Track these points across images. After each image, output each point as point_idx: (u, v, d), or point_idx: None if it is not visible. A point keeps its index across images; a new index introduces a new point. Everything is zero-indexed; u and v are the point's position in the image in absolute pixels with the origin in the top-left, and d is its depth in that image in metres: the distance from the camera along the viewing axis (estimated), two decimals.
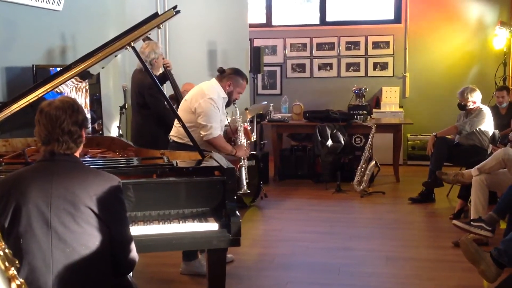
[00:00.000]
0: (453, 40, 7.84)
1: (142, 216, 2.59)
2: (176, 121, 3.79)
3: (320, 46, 8.29)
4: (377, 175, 6.47)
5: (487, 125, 5.45)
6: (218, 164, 2.80)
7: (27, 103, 2.68)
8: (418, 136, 7.75)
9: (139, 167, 2.83)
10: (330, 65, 8.29)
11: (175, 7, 2.86)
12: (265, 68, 7.78)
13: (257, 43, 8.08)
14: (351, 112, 7.09)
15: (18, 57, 4.34)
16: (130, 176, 2.69)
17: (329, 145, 6.49)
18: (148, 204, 2.60)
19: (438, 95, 7.86)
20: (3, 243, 1.31)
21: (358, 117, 6.70)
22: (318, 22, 8.37)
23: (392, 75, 8.11)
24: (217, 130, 3.78)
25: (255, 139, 5.78)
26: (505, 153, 4.26)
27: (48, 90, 2.72)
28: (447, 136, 5.65)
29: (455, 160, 5.65)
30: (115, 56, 3.01)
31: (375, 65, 8.15)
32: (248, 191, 4.41)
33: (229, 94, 3.93)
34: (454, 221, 4.09)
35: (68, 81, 2.77)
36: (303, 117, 6.98)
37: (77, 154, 2.14)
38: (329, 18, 8.35)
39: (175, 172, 2.76)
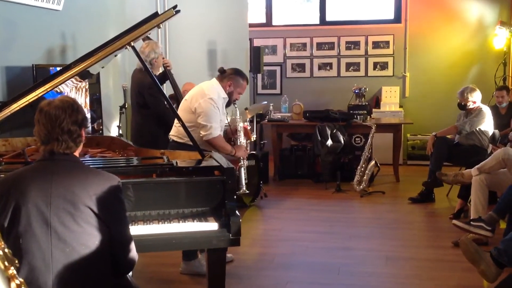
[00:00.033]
0: (453, 39, 7.84)
1: (142, 216, 2.59)
2: (176, 121, 3.79)
3: (320, 46, 8.30)
4: (377, 175, 6.47)
5: (487, 125, 5.45)
6: (218, 164, 2.80)
7: (27, 102, 2.68)
8: (418, 136, 7.75)
9: (139, 166, 2.82)
10: (330, 64, 8.29)
11: (175, 6, 2.86)
12: (265, 68, 7.79)
13: (257, 42, 8.08)
14: (351, 112, 7.09)
15: (18, 56, 4.34)
16: (130, 175, 2.69)
17: (329, 144, 6.49)
18: (148, 203, 2.60)
19: (438, 95, 7.87)
20: (2, 243, 1.31)
21: (358, 117, 6.70)
22: (318, 22, 8.37)
23: (392, 75, 8.11)
24: (216, 130, 3.78)
25: (255, 138, 5.78)
26: (505, 153, 4.26)
27: (48, 90, 2.72)
28: (447, 136, 5.65)
29: (455, 160, 5.65)
30: (115, 55, 3.01)
31: (375, 65, 8.15)
32: (247, 192, 4.41)
33: (230, 95, 3.93)
34: (454, 221, 4.08)
35: (68, 81, 2.77)
36: (303, 117, 6.98)
37: (76, 153, 2.14)
38: (329, 17, 8.35)
39: (175, 171, 2.76)
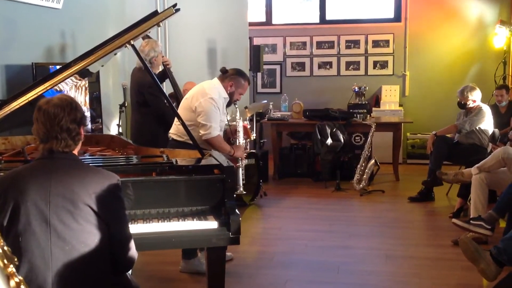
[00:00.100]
0: (453, 38, 7.84)
1: (141, 214, 2.59)
2: (176, 119, 3.79)
3: (320, 45, 8.29)
4: (377, 174, 6.47)
5: (487, 123, 5.45)
6: (217, 162, 2.80)
7: (27, 101, 2.68)
8: (418, 134, 7.75)
9: (139, 165, 2.82)
10: (330, 63, 8.28)
11: (175, 5, 2.86)
12: (265, 67, 7.78)
13: (257, 41, 8.06)
14: (351, 110, 7.09)
15: (18, 55, 4.34)
16: (130, 174, 2.68)
17: (329, 143, 6.49)
18: (148, 202, 2.60)
19: (438, 93, 7.87)
20: (1, 241, 1.31)
21: (358, 115, 6.70)
22: (318, 21, 8.36)
23: (392, 73, 8.11)
24: (216, 130, 3.79)
25: (254, 137, 5.78)
26: (504, 151, 4.26)
27: (48, 88, 2.72)
28: (447, 135, 5.65)
29: (455, 159, 5.65)
30: (115, 54, 3.01)
31: (375, 63, 8.15)
32: (244, 193, 4.41)
33: (231, 95, 3.94)
34: (454, 220, 4.09)
35: (67, 79, 2.77)
36: (302, 116, 6.97)
37: (75, 152, 2.14)
38: (329, 16, 8.34)
39: (174, 170, 2.76)
